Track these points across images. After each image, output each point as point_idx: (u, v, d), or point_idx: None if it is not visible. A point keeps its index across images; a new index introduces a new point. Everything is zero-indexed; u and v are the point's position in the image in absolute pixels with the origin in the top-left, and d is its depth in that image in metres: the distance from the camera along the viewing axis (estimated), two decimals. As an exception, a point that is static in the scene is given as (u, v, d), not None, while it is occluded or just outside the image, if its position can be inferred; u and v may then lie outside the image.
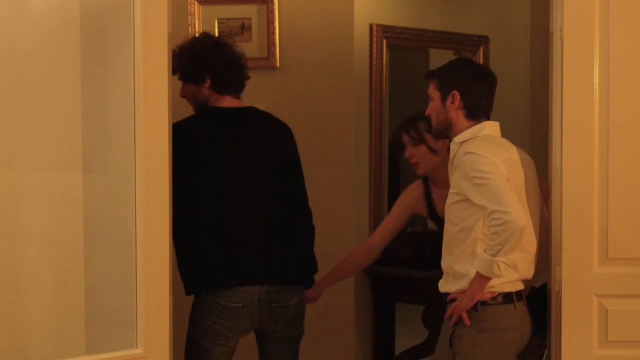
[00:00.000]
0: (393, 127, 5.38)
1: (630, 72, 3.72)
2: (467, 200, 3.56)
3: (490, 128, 3.71)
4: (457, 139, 3.68)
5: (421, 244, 5.22)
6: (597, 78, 3.71)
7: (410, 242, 5.20)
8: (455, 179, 3.62)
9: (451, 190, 3.65)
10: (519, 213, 3.42)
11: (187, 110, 5.26)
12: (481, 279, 3.52)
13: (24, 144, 3.38)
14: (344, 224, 5.15)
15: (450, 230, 3.65)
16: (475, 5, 5.79)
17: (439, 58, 5.68)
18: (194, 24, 5.31)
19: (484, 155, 3.55)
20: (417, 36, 5.50)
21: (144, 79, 3.30)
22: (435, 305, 4.98)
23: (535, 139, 3.94)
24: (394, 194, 5.43)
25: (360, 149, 5.23)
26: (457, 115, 3.69)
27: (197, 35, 4.72)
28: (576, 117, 3.71)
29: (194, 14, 5.31)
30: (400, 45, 5.42)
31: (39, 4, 3.41)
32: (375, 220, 5.26)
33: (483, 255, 3.48)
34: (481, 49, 5.71)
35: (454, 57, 5.60)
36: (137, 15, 3.28)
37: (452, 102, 3.68)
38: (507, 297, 3.62)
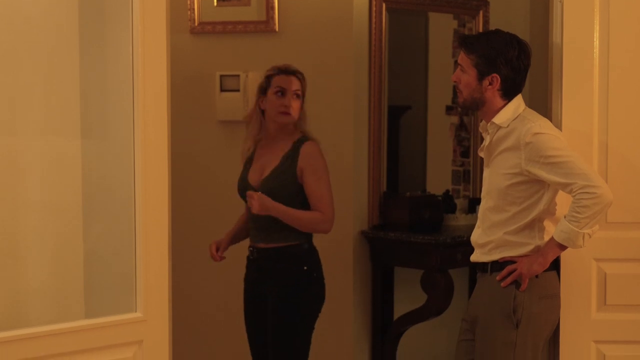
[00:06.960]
0: (392, 91, 5.38)
1: (630, 36, 3.71)
2: (531, 180, 3.53)
3: (523, 101, 3.65)
4: (501, 122, 3.58)
5: (420, 208, 5.21)
6: (597, 42, 3.71)
7: (409, 206, 5.20)
8: (514, 160, 3.54)
9: (506, 171, 3.56)
10: (607, 187, 3.46)
11: (190, 73, 5.27)
12: (559, 248, 3.53)
13: (22, 111, 3.38)
14: (342, 187, 5.15)
15: (509, 210, 3.58)
16: (475, -32, 5.75)
17: (438, 22, 5.65)
18: (193, -14, 5.28)
19: (553, 134, 3.53)
20: (417, 0, 5.47)
21: (142, 44, 3.29)
22: (434, 269, 5.01)
23: (534, 103, 3.92)
24: (393, 157, 5.42)
25: (360, 112, 5.21)
26: (493, 95, 3.60)
27: None
28: (576, 81, 3.71)
29: (193, -24, 5.28)
30: (399, 8, 5.38)
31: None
32: (374, 182, 5.25)
33: (567, 226, 3.47)
34: (481, 13, 5.67)
35: (454, 21, 5.67)
36: (135, -20, 3.26)
37: (491, 84, 3.59)
38: (552, 264, 3.62)
